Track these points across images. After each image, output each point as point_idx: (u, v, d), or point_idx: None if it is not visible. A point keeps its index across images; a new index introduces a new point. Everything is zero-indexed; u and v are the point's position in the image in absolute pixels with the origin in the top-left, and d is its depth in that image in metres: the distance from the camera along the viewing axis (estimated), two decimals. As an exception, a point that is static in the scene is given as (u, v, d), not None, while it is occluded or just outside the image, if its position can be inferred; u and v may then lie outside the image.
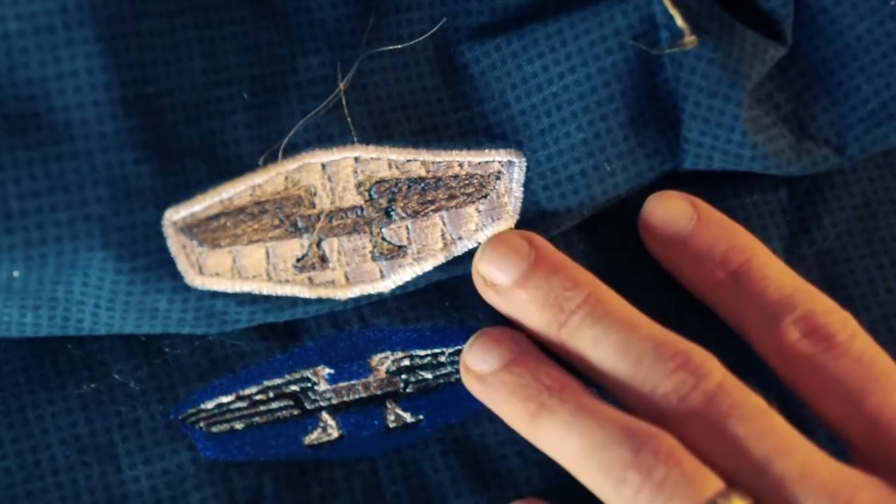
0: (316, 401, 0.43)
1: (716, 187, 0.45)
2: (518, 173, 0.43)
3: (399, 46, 0.42)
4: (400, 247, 0.42)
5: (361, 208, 0.42)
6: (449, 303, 0.44)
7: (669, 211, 0.43)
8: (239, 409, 0.42)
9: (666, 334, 0.40)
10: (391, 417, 0.43)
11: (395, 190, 0.42)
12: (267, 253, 0.41)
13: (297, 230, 0.41)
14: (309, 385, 0.43)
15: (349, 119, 0.41)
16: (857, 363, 0.40)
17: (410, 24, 0.43)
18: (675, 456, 0.38)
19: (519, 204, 0.43)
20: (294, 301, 0.41)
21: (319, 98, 0.41)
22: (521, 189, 0.43)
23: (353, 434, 0.43)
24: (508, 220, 0.43)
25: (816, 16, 0.44)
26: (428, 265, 0.42)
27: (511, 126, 0.43)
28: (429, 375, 0.43)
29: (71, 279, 0.38)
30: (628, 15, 0.42)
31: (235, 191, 0.40)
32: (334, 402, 0.43)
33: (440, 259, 0.42)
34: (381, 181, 0.42)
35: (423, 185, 0.42)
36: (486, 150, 0.43)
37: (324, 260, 0.41)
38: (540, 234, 0.42)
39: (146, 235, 0.38)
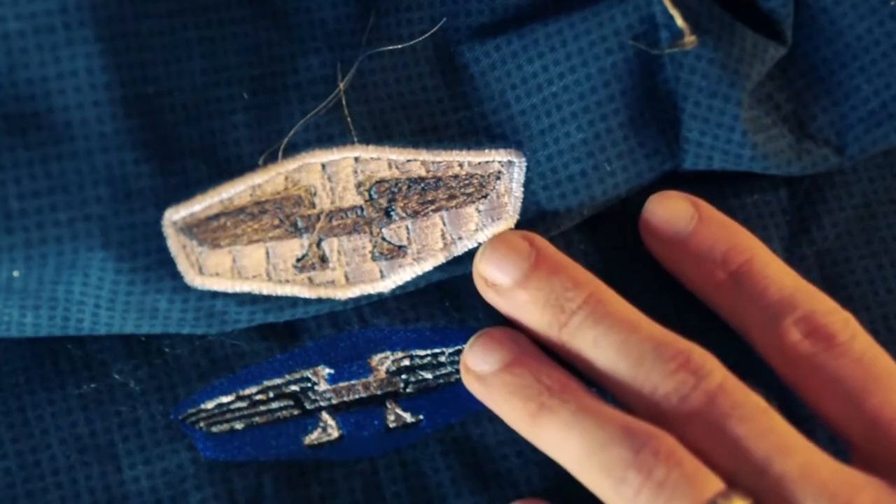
0: (316, 401, 0.43)
1: (716, 187, 0.45)
2: (518, 173, 0.43)
3: (399, 46, 0.42)
4: (400, 247, 0.42)
5: (361, 208, 0.42)
6: (449, 303, 0.44)
7: (670, 211, 0.43)
8: (239, 409, 0.42)
9: (666, 334, 0.40)
10: (391, 417, 0.43)
11: (395, 190, 0.42)
12: (267, 253, 0.41)
13: (297, 230, 0.41)
14: (309, 385, 0.43)
15: (349, 119, 0.41)
16: (858, 363, 0.40)
17: (410, 24, 0.43)
18: (675, 456, 0.38)
19: (519, 204, 0.43)
20: (294, 301, 0.41)
21: (319, 98, 0.41)
22: (522, 189, 0.43)
23: (353, 434, 0.43)
24: (508, 220, 0.43)
25: (816, 16, 0.44)
26: (428, 265, 0.42)
27: (511, 126, 0.43)
28: (429, 375, 0.43)
29: (71, 279, 0.38)
30: (628, 15, 0.42)
31: (235, 191, 0.40)
32: (334, 402, 0.43)
33: (440, 259, 0.42)
34: (381, 181, 0.42)
35: (423, 185, 0.42)
36: (486, 150, 0.43)
37: (324, 260, 0.41)
38: (540, 235, 0.42)
39: (146, 235, 0.38)
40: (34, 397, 0.42)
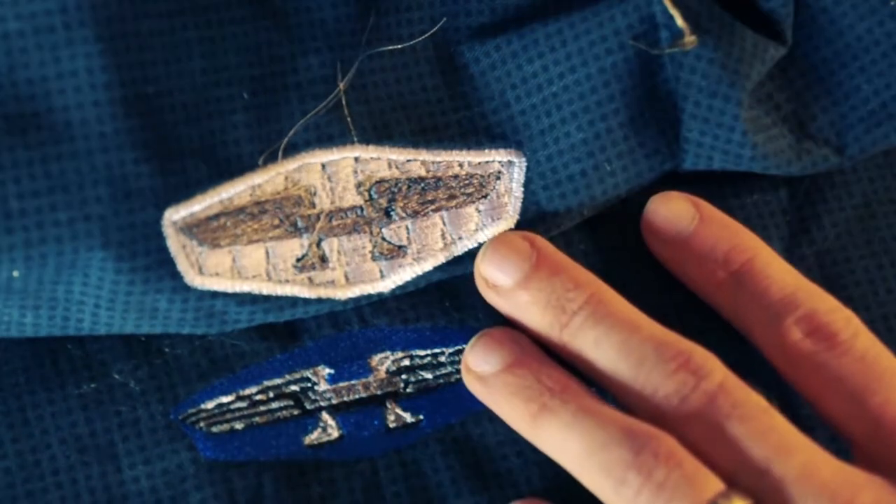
0: (316, 401, 0.43)
1: (716, 187, 0.45)
2: (518, 173, 0.43)
3: (399, 46, 0.42)
4: (400, 247, 0.42)
5: (361, 208, 0.42)
6: (449, 303, 0.44)
7: (671, 211, 0.43)
8: (239, 409, 0.42)
9: (667, 335, 0.40)
10: (391, 417, 0.43)
11: (395, 190, 0.42)
12: (267, 253, 0.41)
13: (297, 230, 0.41)
14: (309, 385, 0.43)
15: (349, 119, 0.41)
16: (860, 362, 0.40)
17: (410, 24, 0.43)
18: (675, 457, 0.38)
19: (519, 204, 0.43)
20: (294, 301, 0.41)
21: (319, 98, 0.41)
22: (522, 189, 0.43)
23: (353, 434, 0.43)
24: (508, 220, 0.43)
25: (816, 16, 0.44)
26: (428, 265, 0.42)
27: (511, 126, 0.43)
28: (429, 375, 0.43)
29: (71, 279, 0.38)
30: (628, 15, 0.42)
31: (235, 191, 0.40)
32: (334, 402, 0.43)
33: (440, 259, 0.42)
34: (381, 181, 0.42)
35: (423, 184, 0.42)
36: (486, 150, 0.43)
37: (324, 260, 0.41)
38: (540, 235, 0.42)
39: (146, 235, 0.38)
40: (34, 397, 0.42)
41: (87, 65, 0.38)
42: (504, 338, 0.42)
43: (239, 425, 0.42)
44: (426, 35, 0.43)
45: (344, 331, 0.43)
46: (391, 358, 0.43)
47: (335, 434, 0.43)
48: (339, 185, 0.41)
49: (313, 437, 0.43)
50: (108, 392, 0.42)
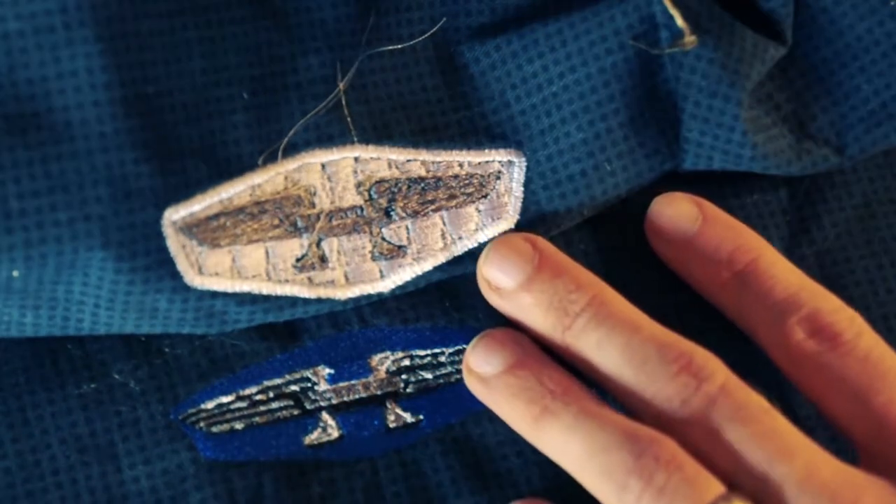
0: (316, 401, 0.43)
1: (716, 187, 0.45)
2: (518, 173, 0.43)
3: (399, 46, 0.42)
4: (400, 247, 0.42)
5: (361, 208, 0.42)
6: (449, 303, 0.44)
7: (675, 212, 0.43)
8: (239, 409, 0.42)
9: (670, 336, 0.40)
10: (391, 417, 0.43)
11: (395, 190, 0.42)
12: (266, 253, 0.41)
13: (297, 230, 0.41)
14: (309, 385, 0.43)
15: (349, 119, 0.41)
16: (864, 362, 0.40)
17: (410, 24, 0.43)
18: (676, 461, 0.38)
19: (519, 204, 0.43)
20: (294, 301, 0.41)
21: (319, 98, 0.41)
22: (522, 189, 0.43)
23: (353, 434, 0.43)
24: (509, 219, 0.43)
25: (816, 16, 0.44)
26: (428, 265, 0.42)
27: (511, 126, 0.43)
28: (429, 375, 0.43)
29: (71, 279, 0.38)
30: (628, 15, 0.42)
31: (235, 191, 0.40)
32: (334, 402, 0.43)
33: (440, 259, 0.42)
34: (380, 181, 0.42)
35: (423, 184, 0.42)
36: (486, 150, 0.43)
37: (323, 260, 0.41)
38: (540, 234, 0.42)
39: (146, 235, 0.38)
40: (34, 397, 0.42)
41: (87, 65, 0.38)
42: (506, 339, 0.42)
43: (239, 425, 0.42)
44: (426, 35, 0.43)
45: (344, 331, 0.43)
46: (391, 358, 0.43)
47: (335, 434, 0.43)
48: (339, 185, 0.41)
49: (313, 437, 0.43)
50: (108, 392, 0.42)
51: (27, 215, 0.37)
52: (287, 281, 0.41)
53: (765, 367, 0.42)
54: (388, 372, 0.43)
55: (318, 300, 0.41)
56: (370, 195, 0.42)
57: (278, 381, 0.43)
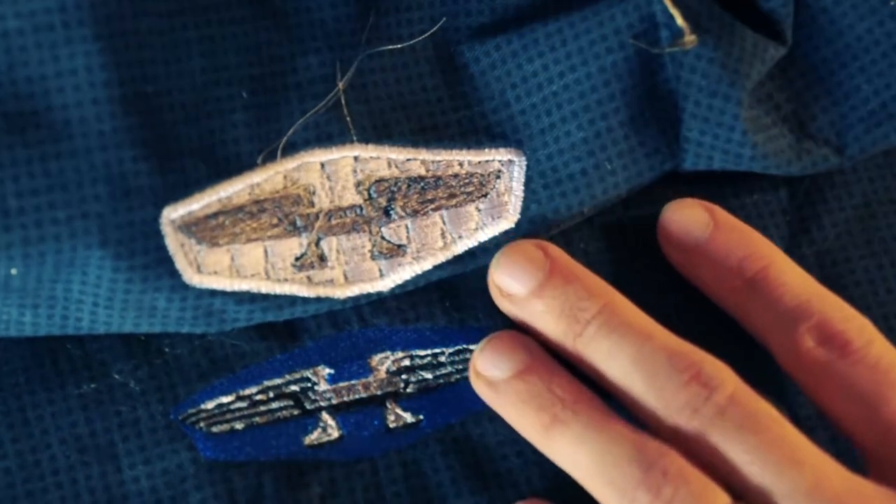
0: (316, 401, 0.43)
1: (716, 187, 0.45)
2: (518, 172, 0.43)
3: (399, 46, 0.42)
4: (399, 246, 0.42)
5: (360, 207, 0.42)
6: (449, 303, 0.44)
7: (686, 218, 0.43)
8: (239, 409, 0.42)
9: (680, 345, 0.40)
10: (391, 417, 0.43)
11: (395, 189, 0.42)
12: (265, 251, 0.41)
13: (296, 229, 0.41)
14: (309, 385, 0.43)
15: (348, 118, 0.41)
16: (873, 370, 0.40)
17: (410, 23, 0.43)
18: (683, 474, 0.38)
19: (520, 203, 0.43)
20: (293, 300, 0.41)
21: (319, 97, 0.41)
22: (522, 188, 0.43)
23: (353, 434, 0.43)
24: (509, 218, 0.43)
25: (816, 16, 0.44)
26: (427, 264, 0.42)
27: (511, 125, 0.43)
28: (429, 375, 0.43)
29: (69, 277, 0.38)
30: (628, 14, 0.42)
31: (234, 189, 0.40)
32: (334, 402, 0.43)
33: (440, 258, 0.42)
34: (380, 180, 0.42)
35: (422, 184, 0.42)
36: (486, 150, 0.43)
37: (323, 259, 0.41)
38: (540, 233, 0.42)
39: (144, 233, 0.38)
40: (34, 397, 0.42)
41: (86, 63, 0.38)
42: (514, 343, 0.42)
43: (239, 425, 0.42)
44: (426, 35, 0.43)
45: (344, 331, 0.43)
46: (391, 358, 0.43)
47: (335, 434, 0.43)
48: (339, 184, 0.41)
49: (313, 437, 0.43)
50: (108, 392, 0.42)
51: (26, 213, 0.37)
52: (286, 280, 0.41)
53: (765, 367, 0.42)
54: (388, 372, 0.43)
55: (318, 299, 0.41)
56: (370, 194, 0.42)
57: (278, 381, 0.43)
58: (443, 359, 0.43)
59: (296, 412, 0.43)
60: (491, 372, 0.41)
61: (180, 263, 0.39)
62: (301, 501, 0.42)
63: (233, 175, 0.40)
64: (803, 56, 0.45)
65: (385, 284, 0.42)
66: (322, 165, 0.41)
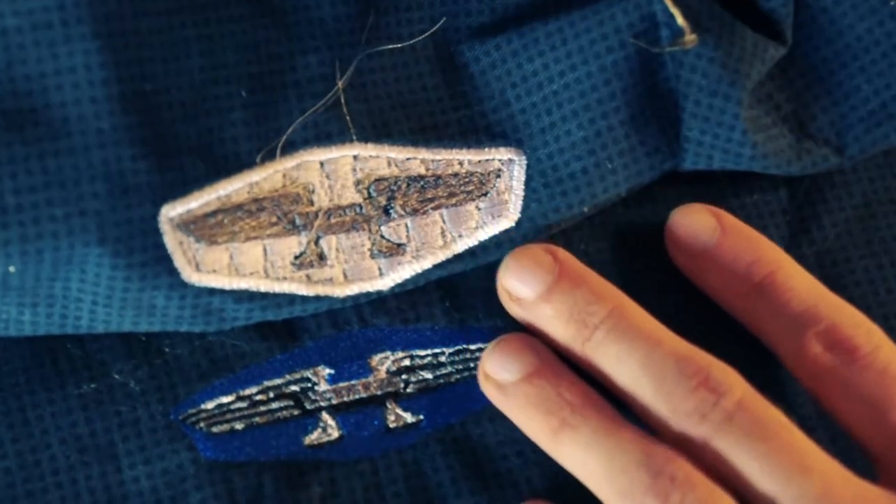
0: (316, 401, 0.43)
1: (716, 187, 0.45)
2: (518, 171, 0.43)
3: (399, 45, 0.43)
4: (399, 244, 0.42)
5: (360, 206, 0.42)
6: (449, 303, 0.44)
7: (693, 223, 0.43)
8: (239, 409, 0.42)
9: (689, 350, 0.40)
10: (391, 417, 0.43)
11: (395, 188, 0.42)
12: (264, 250, 0.41)
13: (295, 227, 0.41)
14: (309, 385, 0.43)
15: (348, 117, 0.41)
16: (882, 375, 0.40)
17: (410, 23, 0.43)
18: (690, 480, 0.38)
19: (520, 202, 0.43)
20: (292, 299, 0.41)
21: (318, 97, 0.41)
22: (522, 187, 0.43)
23: (354, 434, 0.43)
24: (509, 217, 0.43)
25: (816, 16, 0.44)
26: (427, 263, 0.42)
27: (511, 124, 0.43)
28: (429, 375, 0.43)
29: (68, 275, 0.38)
30: (629, 13, 0.42)
31: (233, 188, 0.40)
32: (334, 402, 0.43)
33: (440, 257, 0.42)
34: (379, 179, 0.42)
35: (422, 182, 0.42)
36: (486, 149, 0.43)
37: (322, 257, 0.41)
38: (541, 232, 0.43)
39: (143, 231, 0.38)
40: (34, 397, 0.42)
41: (84, 61, 0.38)
42: (523, 345, 0.42)
43: (239, 425, 0.42)
44: (426, 34, 0.43)
45: (344, 331, 0.43)
46: (391, 358, 0.43)
47: (335, 434, 0.43)
48: (338, 183, 0.41)
49: (313, 437, 0.43)
50: (108, 392, 0.42)
51: (23, 211, 0.37)
52: (285, 278, 0.41)
53: (765, 366, 0.42)
54: (388, 372, 0.43)
55: (317, 298, 0.41)
56: (369, 193, 0.42)
57: (278, 381, 0.43)
58: (443, 359, 0.43)
59: (296, 412, 0.43)
60: (500, 374, 0.41)
61: (179, 261, 0.39)
62: (301, 501, 0.42)
63: (232, 173, 0.40)
64: (803, 56, 0.45)
65: (385, 283, 0.42)
66: (321, 164, 0.41)
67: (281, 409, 0.43)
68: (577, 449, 0.40)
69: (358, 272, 0.42)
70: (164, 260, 0.39)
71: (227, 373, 0.43)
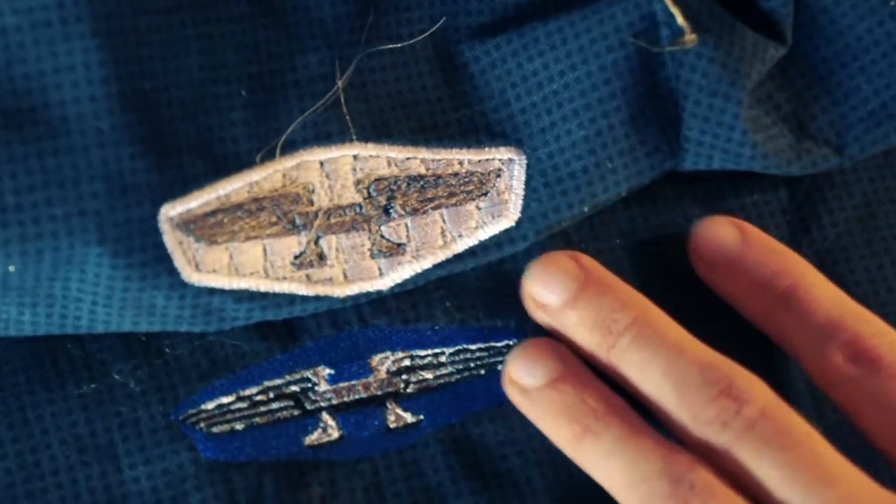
0: (316, 401, 0.43)
1: (716, 187, 0.45)
2: (518, 171, 0.43)
3: (398, 45, 0.43)
4: (399, 244, 0.42)
5: (360, 206, 0.42)
6: (449, 303, 0.43)
7: (716, 235, 0.43)
8: (239, 409, 0.42)
9: (713, 357, 0.40)
10: (391, 418, 0.43)
11: (395, 187, 0.42)
12: (264, 250, 0.41)
13: (295, 227, 0.41)
14: (309, 385, 0.43)
15: (348, 117, 0.41)
16: None
17: (410, 23, 0.43)
18: (710, 489, 0.38)
19: (520, 201, 0.43)
20: (292, 298, 0.41)
21: (318, 96, 0.41)
22: (522, 186, 0.43)
23: (354, 434, 0.43)
24: (510, 217, 0.43)
25: (816, 16, 0.44)
26: (427, 262, 0.42)
27: (511, 124, 0.43)
28: (429, 376, 0.43)
29: (68, 275, 0.38)
30: (629, 13, 0.42)
31: (233, 187, 0.40)
32: (334, 402, 0.43)
33: (440, 256, 0.42)
34: (379, 179, 0.42)
35: (422, 182, 0.42)
36: (487, 148, 0.43)
37: (322, 257, 0.41)
38: (540, 232, 0.43)
39: (142, 231, 0.38)
40: (34, 397, 0.42)
41: (84, 60, 0.38)
42: (548, 350, 0.42)
43: (239, 426, 0.42)
44: (426, 34, 0.43)
45: (344, 331, 0.43)
46: (391, 358, 0.43)
47: (335, 434, 0.43)
48: (338, 183, 0.41)
49: (313, 437, 0.43)
50: (108, 392, 0.42)
51: (23, 210, 0.37)
52: (285, 278, 0.41)
53: (770, 366, 0.42)
54: (388, 372, 0.43)
55: (317, 298, 0.41)
56: (369, 193, 0.42)
57: (278, 381, 0.43)
58: (443, 359, 0.43)
59: (296, 412, 0.43)
60: (525, 379, 0.42)
61: (179, 261, 0.39)
62: (301, 502, 0.42)
63: (231, 173, 0.40)
64: (803, 56, 0.45)
65: (384, 283, 0.42)
66: (321, 164, 0.41)
67: (281, 409, 0.43)
68: (600, 456, 0.40)
69: (358, 272, 0.42)
70: (164, 260, 0.39)
71: (228, 373, 0.43)
